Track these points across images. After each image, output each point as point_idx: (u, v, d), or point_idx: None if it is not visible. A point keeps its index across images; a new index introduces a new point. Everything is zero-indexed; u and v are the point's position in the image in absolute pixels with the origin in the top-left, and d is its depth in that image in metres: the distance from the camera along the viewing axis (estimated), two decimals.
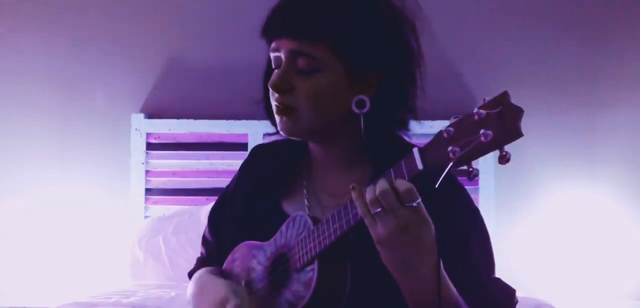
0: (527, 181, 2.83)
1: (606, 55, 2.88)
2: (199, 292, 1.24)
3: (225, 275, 1.24)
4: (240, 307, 1.07)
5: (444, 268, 0.97)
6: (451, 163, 0.85)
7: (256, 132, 2.87)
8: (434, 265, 0.94)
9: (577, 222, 2.78)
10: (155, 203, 2.92)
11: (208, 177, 2.93)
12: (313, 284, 1.02)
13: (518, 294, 1.13)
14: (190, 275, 1.34)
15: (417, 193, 0.90)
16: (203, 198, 2.89)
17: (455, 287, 1.01)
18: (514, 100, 0.83)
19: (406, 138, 1.19)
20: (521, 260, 2.74)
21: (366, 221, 0.93)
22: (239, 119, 2.89)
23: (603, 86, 2.87)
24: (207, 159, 2.94)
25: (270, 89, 1.12)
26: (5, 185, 2.93)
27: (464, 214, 1.14)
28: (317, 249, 1.02)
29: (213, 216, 1.37)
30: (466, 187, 1.19)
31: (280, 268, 1.10)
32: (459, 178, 1.14)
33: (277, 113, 1.12)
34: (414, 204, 0.90)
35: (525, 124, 0.82)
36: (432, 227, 0.93)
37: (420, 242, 0.92)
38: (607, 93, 2.87)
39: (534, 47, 2.92)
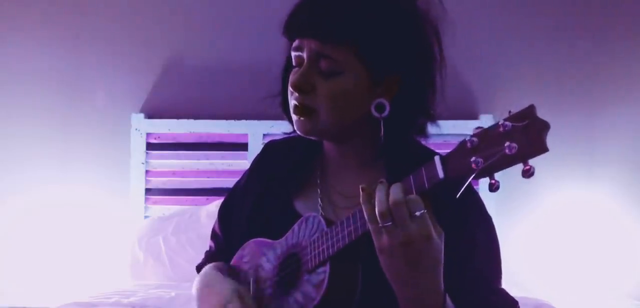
0: (527, 181, 2.81)
1: (606, 55, 2.88)
2: (205, 289, 1.22)
3: (233, 271, 1.23)
4: None
5: (451, 273, 0.96)
6: (473, 175, 0.84)
7: (256, 132, 2.87)
8: (435, 286, 0.92)
9: (577, 222, 2.78)
10: (155, 203, 2.92)
11: (208, 177, 2.93)
12: (324, 286, 1.01)
13: (518, 294, 1.13)
14: (198, 268, 1.32)
15: (422, 204, 0.88)
16: (203, 198, 2.89)
17: (458, 293, 1.00)
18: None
19: (423, 141, 1.18)
20: (521, 260, 2.75)
21: (371, 227, 0.91)
22: (239, 119, 2.89)
23: (603, 86, 2.87)
24: (207, 159, 2.94)
25: (290, 88, 1.11)
26: (5, 185, 2.93)
27: (475, 219, 1.12)
28: (330, 251, 1.01)
29: (223, 210, 1.35)
30: None
31: (290, 268, 1.09)
32: (479, 189, 1.12)
33: (296, 112, 1.11)
34: (418, 214, 0.88)
35: None
36: (438, 247, 0.91)
37: (420, 259, 0.90)
38: (607, 93, 2.87)
39: (534, 47, 2.92)
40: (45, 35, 2.99)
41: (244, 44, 2.90)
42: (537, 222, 2.83)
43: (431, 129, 1.16)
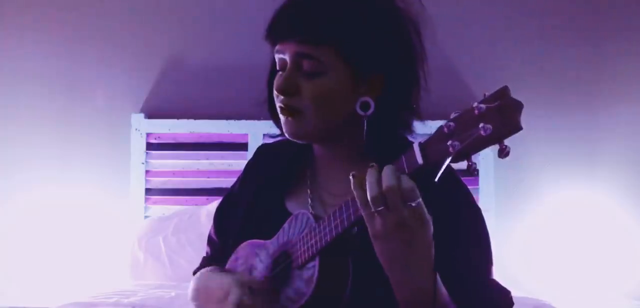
0: (527, 181, 2.83)
1: (606, 55, 2.88)
2: (201, 288, 1.24)
3: (227, 273, 1.24)
4: (241, 297, 1.07)
5: (441, 265, 0.97)
6: (450, 157, 0.85)
7: (256, 132, 2.87)
8: (427, 265, 0.94)
9: (577, 222, 2.78)
10: (155, 203, 2.92)
11: (208, 177, 2.93)
12: (314, 281, 1.02)
13: (518, 294, 1.13)
14: (195, 274, 1.34)
15: (418, 193, 0.90)
16: (203, 198, 2.89)
17: (450, 284, 1.00)
18: None
19: (409, 138, 1.19)
20: (521, 260, 2.75)
21: (364, 213, 0.92)
22: (239, 119, 2.89)
23: (603, 86, 2.88)
24: (207, 159, 2.94)
25: (275, 91, 1.12)
26: (5, 185, 2.93)
27: (464, 212, 1.13)
28: (319, 246, 1.02)
29: (218, 215, 1.37)
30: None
31: (282, 265, 1.10)
32: (464, 176, 1.13)
33: (282, 114, 1.13)
34: (413, 204, 0.89)
35: (525, 124, 0.82)
36: (430, 228, 0.92)
37: (415, 242, 0.92)
38: (607, 93, 2.87)
39: (534, 47, 2.93)
40: (45, 35, 2.99)
41: (244, 44, 2.90)
42: (537, 222, 2.83)
43: (422, 127, 1.17)
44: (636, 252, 2.76)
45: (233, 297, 1.08)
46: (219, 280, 1.16)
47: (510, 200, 2.84)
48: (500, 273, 1.15)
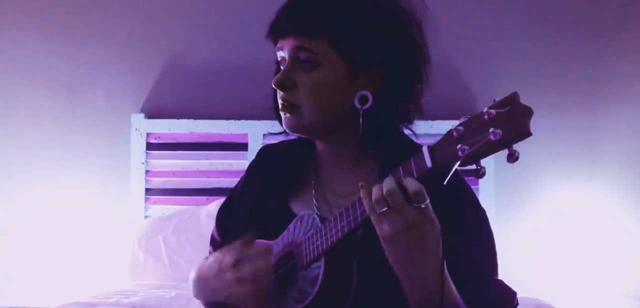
0: (527, 181, 2.83)
1: (606, 56, 2.88)
2: (199, 274, 1.23)
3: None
4: (241, 255, 1.08)
5: (447, 266, 0.97)
6: (459, 161, 0.86)
7: (256, 132, 2.87)
8: (438, 265, 0.94)
9: (577, 222, 2.78)
10: (155, 203, 2.92)
11: (208, 177, 2.93)
12: (319, 281, 1.02)
13: (518, 294, 1.13)
14: None
15: (426, 195, 0.90)
16: (203, 198, 2.89)
17: (456, 285, 1.01)
18: None
19: (414, 138, 1.20)
20: (521, 260, 2.75)
21: (372, 219, 0.93)
22: (239, 119, 2.89)
23: (603, 86, 2.88)
24: (207, 159, 2.94)
25: (273, 87, 1.14)
26: (5, 185, 2.93)
27: (469, 214, 1.14)
28: (324, 246, 1.02)
29: (221, 216, 1.37)
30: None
31: (287, 266, 1.10)
32: (467, 176, 1.14)
33: (282, 110, 1.14)
34: (422, 206, 0.90)
35: None
36: (438, 227, 0.93)
37: (424, 242, 0.92)
38: (607, 93, 2.87)
39: (534, 47, 2.93)
40: (45, 35, 2.99)
41: (244, 44, 2.90)
42: (537, 222, 2.83)
43: (426, 127, 1.18)
44: (636, 252, 2.76)
45: (233, 254, 1.09)
46: (215, 255, 1.17)
47: (510, 200, 2.84)
48: (500, 273, 1.15)
